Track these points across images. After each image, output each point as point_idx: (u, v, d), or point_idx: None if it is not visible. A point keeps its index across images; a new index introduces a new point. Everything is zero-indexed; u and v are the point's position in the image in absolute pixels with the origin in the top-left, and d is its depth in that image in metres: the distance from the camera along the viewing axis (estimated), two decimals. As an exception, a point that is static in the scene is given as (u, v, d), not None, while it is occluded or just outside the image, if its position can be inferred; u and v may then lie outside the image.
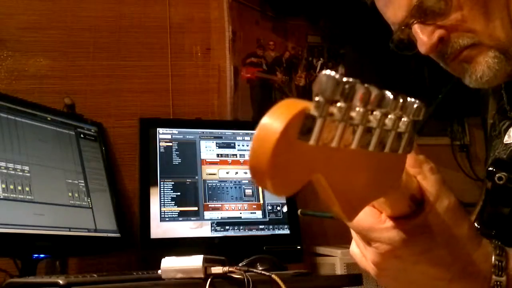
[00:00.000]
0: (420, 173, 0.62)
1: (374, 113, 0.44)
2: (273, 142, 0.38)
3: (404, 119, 0.47)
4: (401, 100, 0.46)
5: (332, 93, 0.40)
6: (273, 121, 0.38)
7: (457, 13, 0.89)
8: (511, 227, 0.81)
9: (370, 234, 0.62)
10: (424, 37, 0.90)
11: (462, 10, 0.88)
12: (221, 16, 2.24)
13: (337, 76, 0.40)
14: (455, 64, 0.93)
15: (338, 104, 0.41)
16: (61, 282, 1.13)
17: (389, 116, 0.46)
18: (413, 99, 0.47)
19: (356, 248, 0.68)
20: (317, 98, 0.40)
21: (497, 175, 0.78)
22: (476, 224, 0.77)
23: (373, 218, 0.61)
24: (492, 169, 0.79)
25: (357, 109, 0.42)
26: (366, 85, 0.42)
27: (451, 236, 0.63)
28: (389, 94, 0.45)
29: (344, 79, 0.41)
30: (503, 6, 0.89)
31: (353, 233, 0.66)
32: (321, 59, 2.33)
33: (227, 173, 1.95)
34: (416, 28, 0.91)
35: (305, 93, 2.28)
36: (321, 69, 2.33)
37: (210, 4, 2.26)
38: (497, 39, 0.89)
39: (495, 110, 1.06)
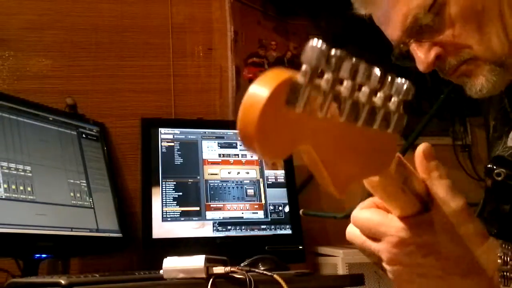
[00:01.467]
0: (428, 179, 0.66)
1: (363, 88, 0.45)
2: (260, 107, 0.39)
3: (394, 98, 0.48)
4: (389, 78, 0.47)
5: (318, 62, 0.41)
6: (260, 88, 0.40)
7: (451, 29, 0.90)
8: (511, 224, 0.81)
9: (379, 228, 0.66)
10: (421, 55, 0.92)
11: (455, 27, 0.89)
12: (223, 16, 2.24)
13: (324, 46, 0.41)
14: (454, 78, 0.94)
15: (326, 76, 0.41)
16: (63, 282, 1.13)
17: (379, 94, 0.46)
18: (402, 80, 0.48)
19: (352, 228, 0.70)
20: (304, 67, 0.40)
21: (495, 171, 0.79)
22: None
23: (381, 215, 0.66)
24: (490, 166, 0.80)
25: (345, 82, 0.43)
26: (356, 60, 0.43)
27: (456, 235, 0.65)
28: (377, 69, 0.45)
29: (332, 50, 0.41)
30: (496, 19, 0.89)
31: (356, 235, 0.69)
32: (323, 59, 2.33)
33: (229, 173, 1.95)
34: (413, 47, 0.93)
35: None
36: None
37: (212, 4, 2.26)
38: (492, 52, 0.89)
39: (496, 112, 1.06)
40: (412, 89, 0.48)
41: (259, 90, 0.39)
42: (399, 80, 0.48)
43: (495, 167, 0.79)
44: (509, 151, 0.96)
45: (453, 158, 2.41)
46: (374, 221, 0.66)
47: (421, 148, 0.67)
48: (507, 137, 0.99)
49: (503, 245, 0.67)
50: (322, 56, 0.41)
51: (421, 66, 0.93)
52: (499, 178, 0.79)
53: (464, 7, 0.88)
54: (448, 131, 2.46)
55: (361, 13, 0.99)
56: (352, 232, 0.70)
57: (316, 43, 0.41)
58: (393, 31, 0.94)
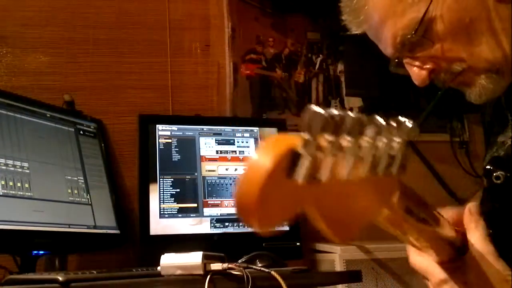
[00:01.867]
0: (468, 229, 0.74)
1: (365, 142, 0.44)
2: (260, 184, 0.38)
3: (397, 141, 0.46)
4: (394, 125, 0.46)
5: (320, 130, 0.40)
6: (261, 162, 0.39)
7: (440, 44, 0.90)
8: (508, 225, 0.81)
9: (424, 273, 0.77)
10: (415, 70, 0.93)
11: (444, 41, 0.89)
12: (221, 13, 2.24)
13: (326, 113, 0.40)
14: (453, 86, 0.95)
15: (328, 140, 0.40)
16: (60, 278, 1.13)
17: (381, 141, 0.45)
18: (406, 121, 0.47)
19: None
20: (305, 137, 0.40)
21: (494, 174, 0.79)
22: None
23: (424, 262, 0.77)
24: (489, 167, 0.79)
25: (347, 139, 0.42)
26: (356, 116, 0.42)
27: (486, 279, 0.72)
28: (381, 122, 0.44)
29: (334, 113, 0.40)
30: (486, 28, 0.88)
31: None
32: (321, 55, 2.33)
33: (227, 169, 1.95)
34: (407, 62, 0.94)
35: (304, 90, 2.28)
36: (320, 65, 2.33)
37: (209, 1, 2.26)
38: (486, 62, 0.89)
39: (492, 109, 1.07)
40: (417, 130, 0.48)
41: (260, 164, 0.38)
42: (402, 123, 0.46)
43: (494, 169, 0.80)
44: (504, 147, 0.96)
45: (450, 154, 2.41)
46: (420, 267, 0.77)
47: (470, 206, 0.76)
48: (502, 134, 0.99)
49: None
50: (325, 124, 0.40)
51: (416, 81, 0.94)
52: (499, 181, 0.79)
53: (451, 22, 0.88)
54: (445, 128, 2.46)
55: (356, 32, 1.00)
56: None
57: (317, 109, 0.40)
58: (385, 48, 0.95)
